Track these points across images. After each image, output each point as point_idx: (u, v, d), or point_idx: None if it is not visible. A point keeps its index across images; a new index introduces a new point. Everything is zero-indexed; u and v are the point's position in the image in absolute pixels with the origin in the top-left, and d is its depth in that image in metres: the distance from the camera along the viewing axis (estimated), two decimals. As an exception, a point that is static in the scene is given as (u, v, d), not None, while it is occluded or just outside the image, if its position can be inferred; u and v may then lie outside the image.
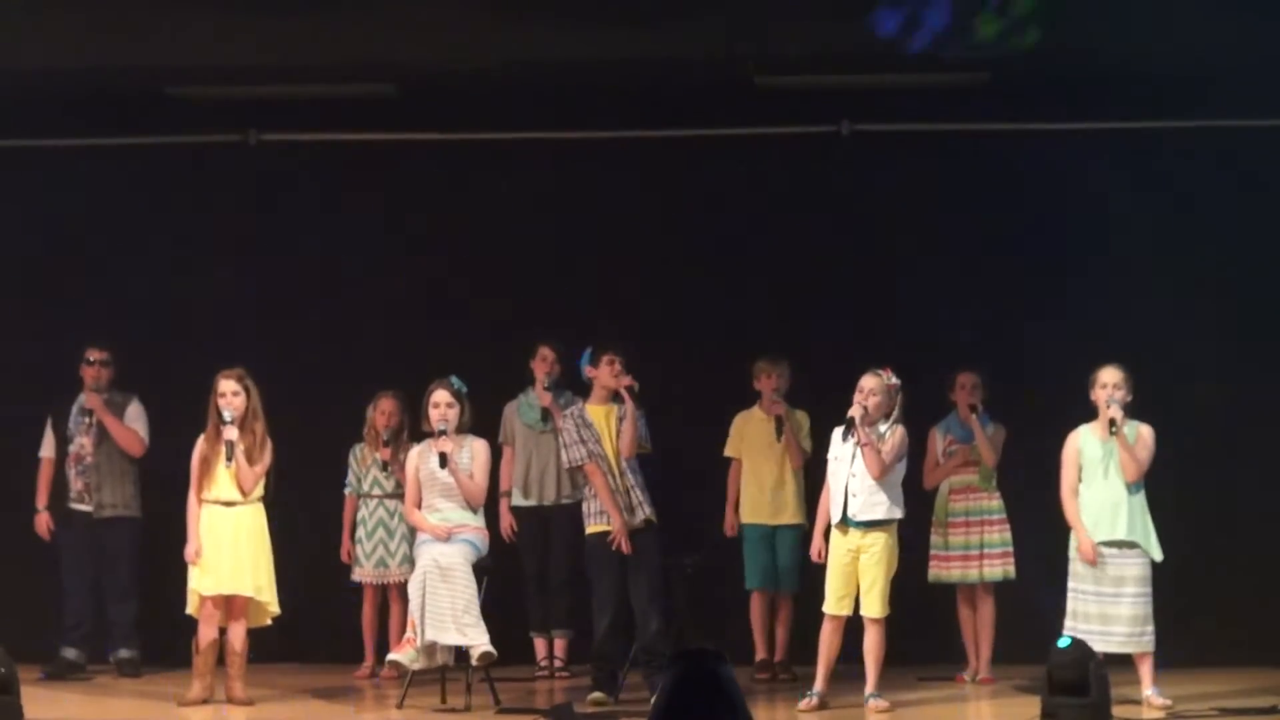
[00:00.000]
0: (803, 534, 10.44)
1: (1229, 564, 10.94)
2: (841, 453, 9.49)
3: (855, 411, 9.40)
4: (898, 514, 9.48)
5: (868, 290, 11.38)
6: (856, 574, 9.44)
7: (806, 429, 10.63)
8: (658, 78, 10.93)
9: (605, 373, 9.83)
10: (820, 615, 9.57)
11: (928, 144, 11.32)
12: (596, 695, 9.61)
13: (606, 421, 9.84)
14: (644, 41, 10.32)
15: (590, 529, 9.83)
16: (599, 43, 10.30)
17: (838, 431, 9.58)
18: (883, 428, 9.46)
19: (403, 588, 10.50)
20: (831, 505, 9.52)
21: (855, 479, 9.41)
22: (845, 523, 9.44)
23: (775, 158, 11.45)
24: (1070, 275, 11.25)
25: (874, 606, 9.40)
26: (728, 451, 10.78)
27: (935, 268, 11.35)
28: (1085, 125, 11.18)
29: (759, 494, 10.66)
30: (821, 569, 9.62)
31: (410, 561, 10.42)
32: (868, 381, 9.46)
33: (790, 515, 10.61)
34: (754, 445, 10.70)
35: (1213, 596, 10.80)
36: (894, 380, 9.52)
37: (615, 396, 9.85)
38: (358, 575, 10.87)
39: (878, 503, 9.41)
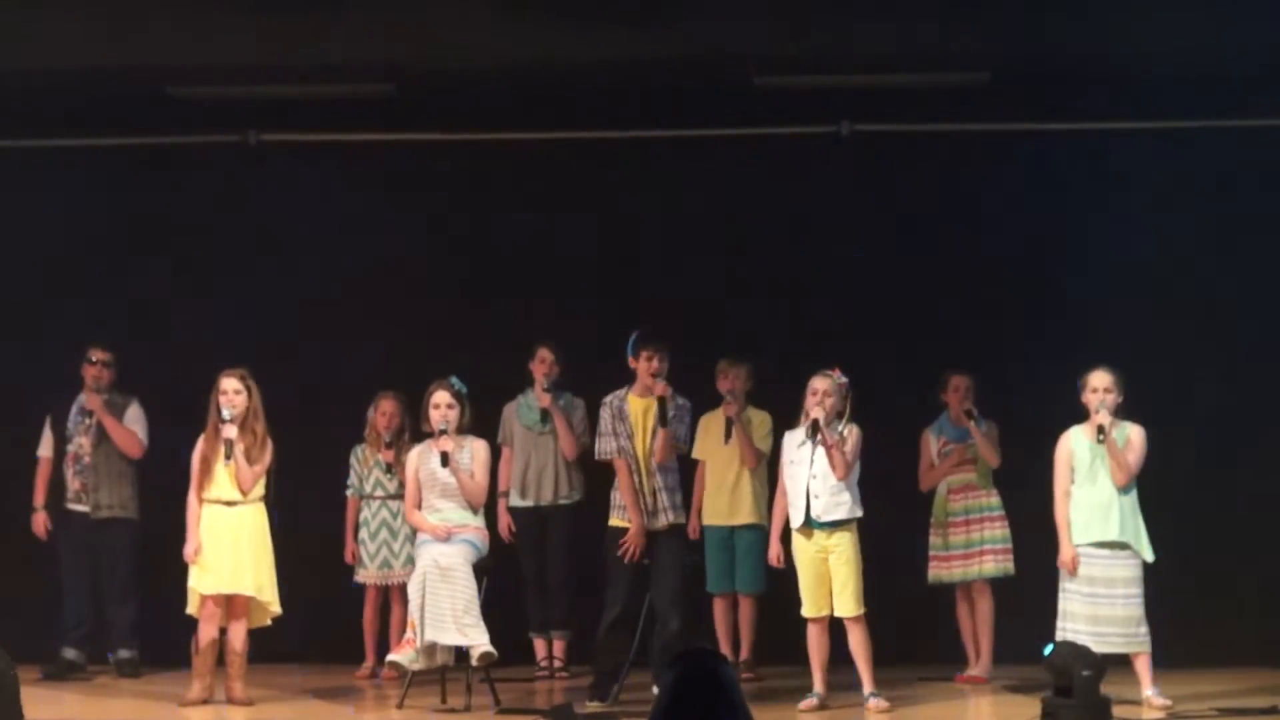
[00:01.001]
0: (761, 535, 10.43)
1: (1229, 564, 10.94)
2: (798, 456, 9.46)
3: (817, 413, 9.38)
4: (859, 512, 9.46)
5: (867, 290, 11.37)
6: (828, 574, 9.43)
7: (766, 430, 10.56)
8: (658, 78, 10.93)
9: (643, 367, 9.72)
10: (793, 617, 9.55)
11: (928, 144, 11.32)
12: (595, 705, 9.52)
13: (645, 416, 9.74)
14: (644, 41, 10.32)
15: (613, 521, 9.76)
16: (599, 43, 10.30)
17: (790, 435, 9.57)
18: (839, 426, 9.45)
19: (405, 589, 10.50)
20: (791, 509, 9.49)
21: (816, 480, 9.39)
22: (809, 525, 9.42)
23: (775, 158, 11.45)
24: (1070, 275, 11.25)
25: (849, 606, 9.39)
26: (694, 453, 10.66)
27: (934, 268, 11.35)
28: (1085, 125, 11.18)
29: (716, 495, 10.62)
30: (784, 570, 9.60)
31: (414, 562, 10.43)
32: (820, 383, 9.44)
33: (746, 515, 10.54)
34: (713, 446, 10.64)
35: (1213, 596, 10.80)
36: (843, 379, 9.52)
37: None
38: (362, 577, 10.86)
39: (840, 503, 9.39)
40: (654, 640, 9.68)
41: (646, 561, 9.68)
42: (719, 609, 10.67)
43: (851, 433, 9.46)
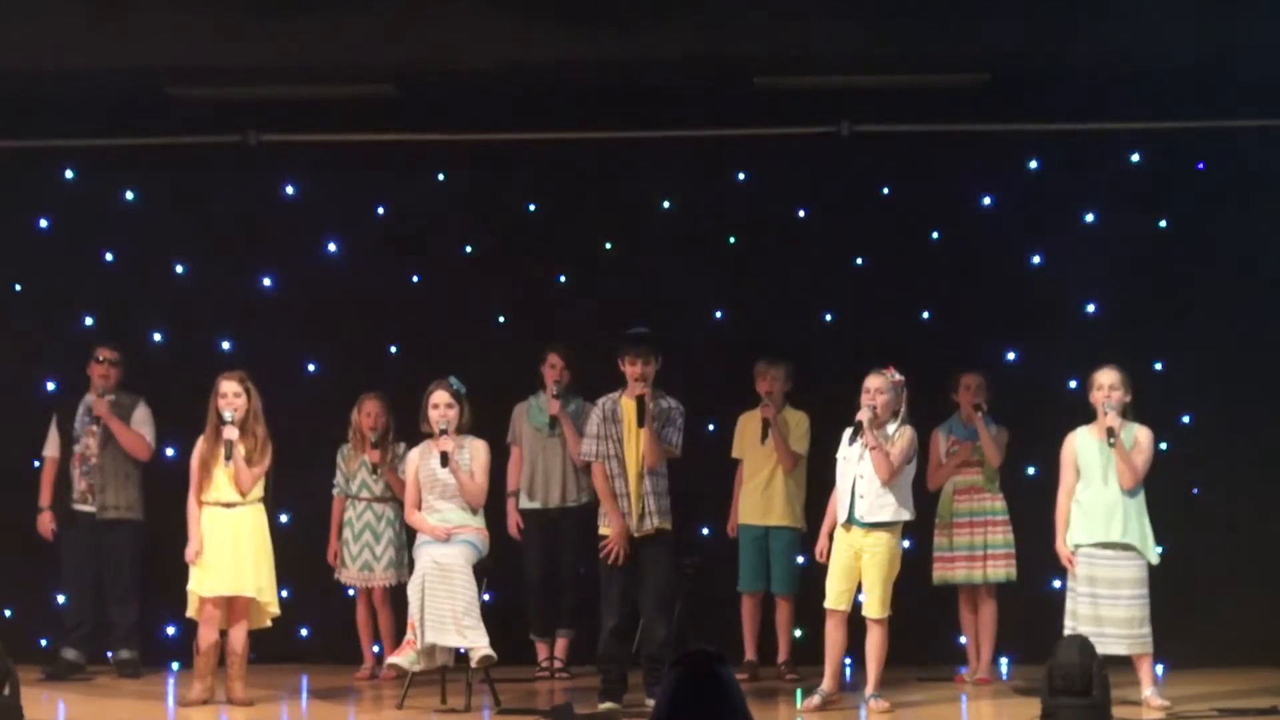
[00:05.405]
0: (796, 537, 10.47)
1: (1229, 564, 10.94)
2: (849, 453, 9.47)
3: (864, 414, 9.36)
4: (905, 516, 9.46)
5: (868, 290, 11.38)
6: (858, 571, 9.44)
7: (802, 430, 10.60)
8: (658, 78, 10.92)
9: (627, 370, 9.65)
10: (822, 616, 9.56)
11: (928, 144, 11.32)
12: (608, 705, 9.47)
13: (634, 419, 9.69)
14: (644, 42, 10.31)
15: (602, 529, 9.72)
16: (598, 43, 10.30)
17: (847, 432, 9.56)
18: (891, 429, 9.43)
19: (386, 592, 10.58)
20: (839, 505, 9.51)
21: (863, 480, 9.39)
22: (851, 522, 9.42)
23: (775, 158, 11.45)
24: (1070, 275, 11.25)
25: (874, 607, 9.40)
26: (734, 452, 10.79)
27: (934, 268, 11.35)
28: (1085, 125, 11.18)
29: (751, 494, 10.68)
30: (822, 572, 9.61)
31: (395, 566, 10.52)
32: (873, 381, 9.43)
33: (779, 516, 10.60)
34: (750, 446, 10.70)
35: (1213, 596, 10.80)
36: (898, 377, 9.50)
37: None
38: (344, 577, 10.84)
39: (885, 504, 9.39)
40: (640, 649, 9.66)
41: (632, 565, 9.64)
42: (748, 607, 10.71)
43: (903, 435, 9.44)
